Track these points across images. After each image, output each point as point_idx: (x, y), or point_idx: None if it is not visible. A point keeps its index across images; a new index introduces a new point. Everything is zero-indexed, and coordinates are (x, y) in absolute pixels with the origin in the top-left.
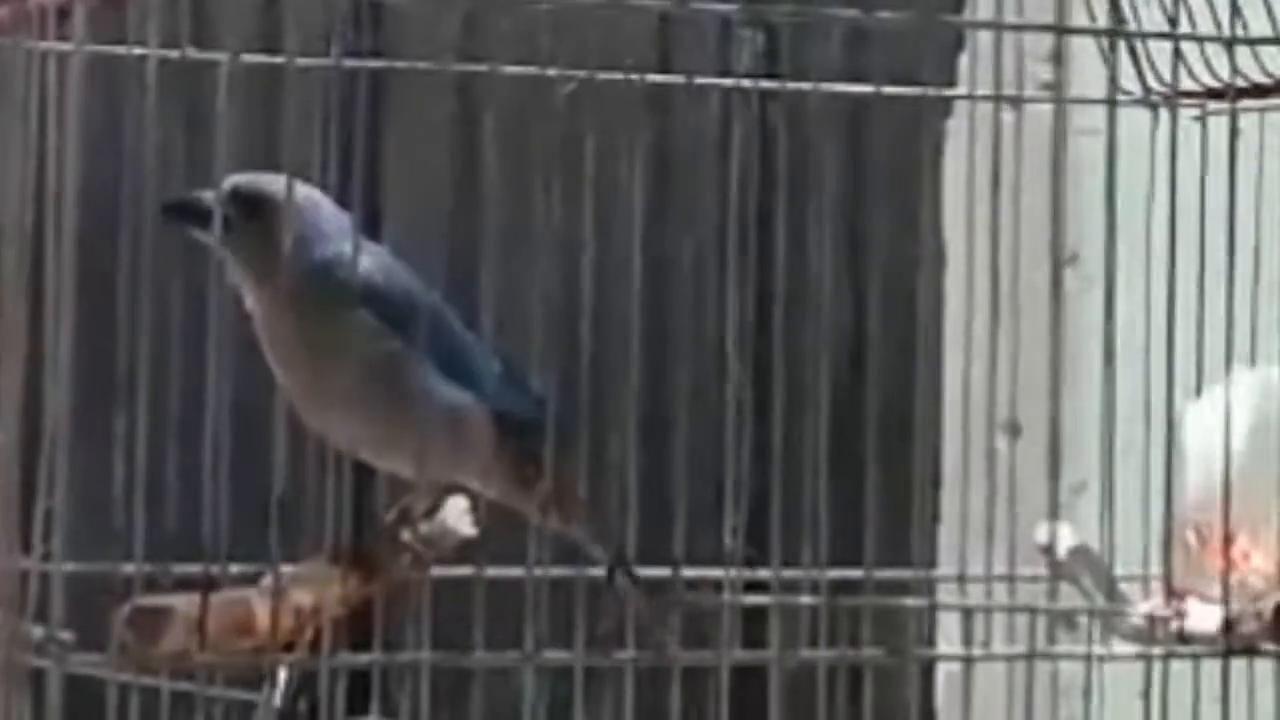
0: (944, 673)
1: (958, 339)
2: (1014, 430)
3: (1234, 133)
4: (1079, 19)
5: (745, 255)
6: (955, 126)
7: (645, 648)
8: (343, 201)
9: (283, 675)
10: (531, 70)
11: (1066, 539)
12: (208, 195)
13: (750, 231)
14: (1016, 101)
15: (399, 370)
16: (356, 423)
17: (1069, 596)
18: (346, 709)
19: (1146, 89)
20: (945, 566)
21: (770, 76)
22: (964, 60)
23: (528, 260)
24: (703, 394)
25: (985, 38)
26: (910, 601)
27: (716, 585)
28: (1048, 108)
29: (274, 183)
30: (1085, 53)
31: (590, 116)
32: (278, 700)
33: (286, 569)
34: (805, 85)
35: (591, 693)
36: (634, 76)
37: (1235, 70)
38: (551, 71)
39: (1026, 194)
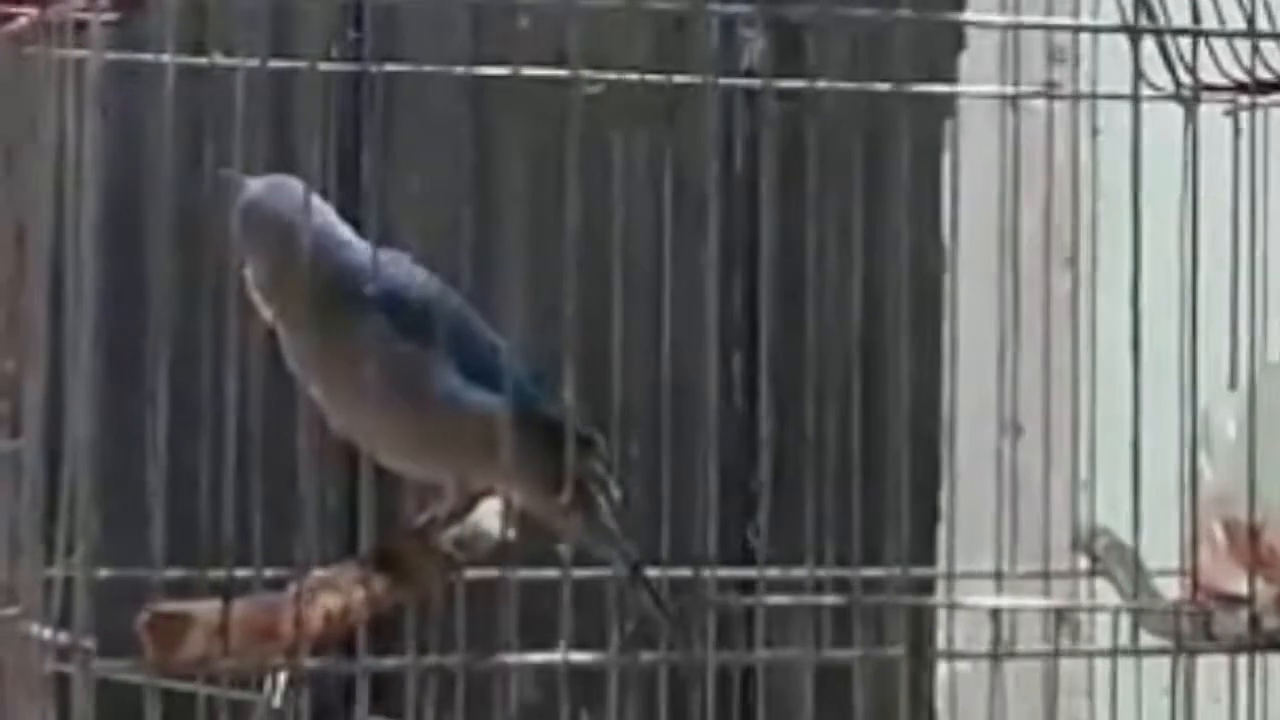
0: (945, 672)
1: (965, 339)
2: (1016, 430)
3: (1253, 127)
4: (1106, 14)
5: (760, 255)
6: (966, 125)
7: (673, 648)
8: (354, 204)
9: (281, 676)
10: (559, 73)
11: (1102, 536)
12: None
13: (767, 232)
14: (1040, 97)
15: (418, 374)
16: (379, 427)
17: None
18: (343, 711)
19: (1178, 84)
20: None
21: (779, 76)
22: (971, 59)
23: (548, 263)
24: (724, 395)
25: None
26: (931, 600)
27: (741, 586)
28: (1056, 105)
29: (292, 194)
30: (1108, 50)
31: (609, 118)
32: (277, 701)
33: (315, 573)
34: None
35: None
36: (657, 77)
37: (1257, 55)
38: (581, 73)
39: (1032, 193)
